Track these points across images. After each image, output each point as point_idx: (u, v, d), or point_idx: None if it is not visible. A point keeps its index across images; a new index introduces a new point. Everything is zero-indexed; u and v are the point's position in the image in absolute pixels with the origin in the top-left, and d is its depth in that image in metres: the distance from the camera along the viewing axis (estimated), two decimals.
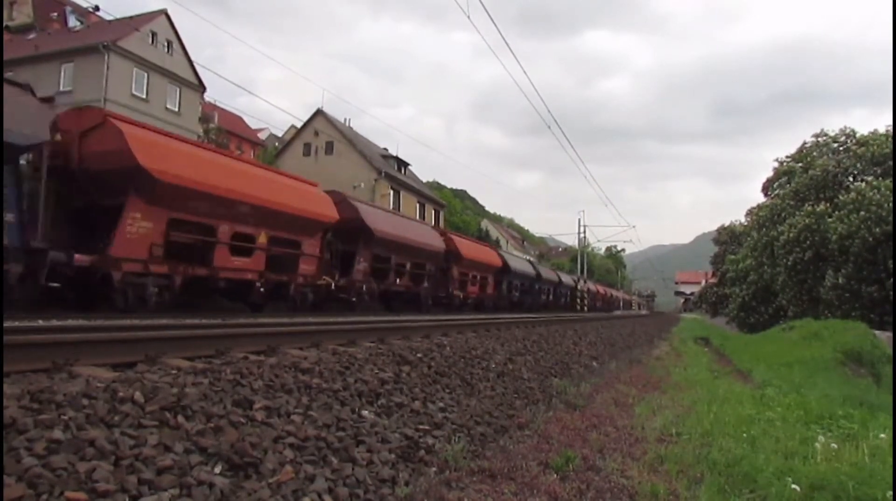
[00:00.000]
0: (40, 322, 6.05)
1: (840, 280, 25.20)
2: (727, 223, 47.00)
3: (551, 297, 37.85)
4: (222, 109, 44.86)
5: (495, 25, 14.37)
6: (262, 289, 12.16)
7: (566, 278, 43.11)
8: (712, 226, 72.37)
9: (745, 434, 5.28)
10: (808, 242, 26.94)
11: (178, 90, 32.77)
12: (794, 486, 3.84)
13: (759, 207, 34.81)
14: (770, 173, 35.48)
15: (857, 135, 29.89)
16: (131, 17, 30.20)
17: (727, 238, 45.26)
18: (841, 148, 30.56)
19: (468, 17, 13.56)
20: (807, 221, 26.93)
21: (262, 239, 12.03)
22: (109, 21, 27.27)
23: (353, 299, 15.46)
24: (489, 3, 13.18)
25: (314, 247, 13.77)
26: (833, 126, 31.90)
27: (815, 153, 31.61)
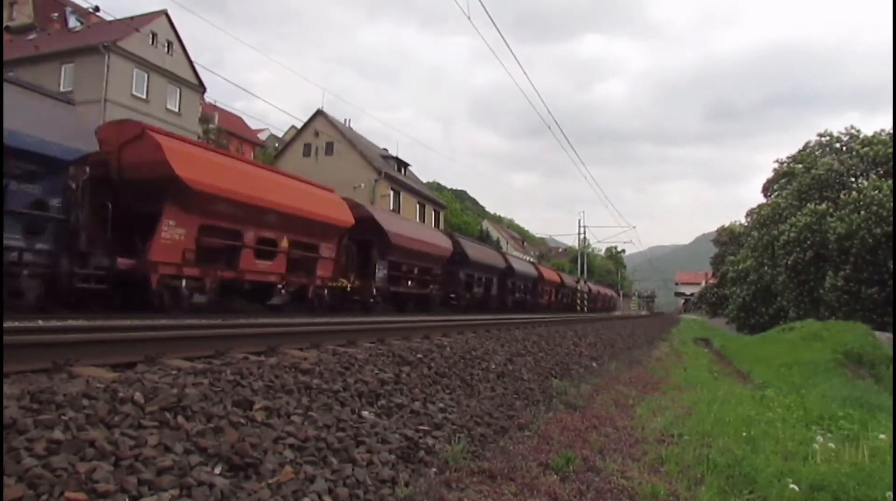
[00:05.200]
0: (40, 322, 6.06)
1: (839, 281, 25.20)
2: (727, 224, 47.06)
3: (529, 295, 31.78)
4: (222, 110, 44.87)
5: (495, 26, 14.39)
6: None
7: (549, 275, 37.51)
8: (712, 227, 72.21)
9: (745, 435, 5.28)
10: (808, 242, 26.94)
11: (178, 91, 32.78)
12: (793, 486, 3.84)
13: (760, 207, 34.82)
14: (767, 175, 35.58)
15: (861, 135, 29.88)
16: (131, 18, 30.19)
17: (727, 239, 45.31)
18: (844, 148, 30.53)
19: (468, 17, 13.57)
20: (807, 219, 26.93)
21: None
22: (110, 21, 27.26)
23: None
24: (487, 7, 13.19)
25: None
26: (826, 128, 31.84)
27: (817, 153, 31.60)
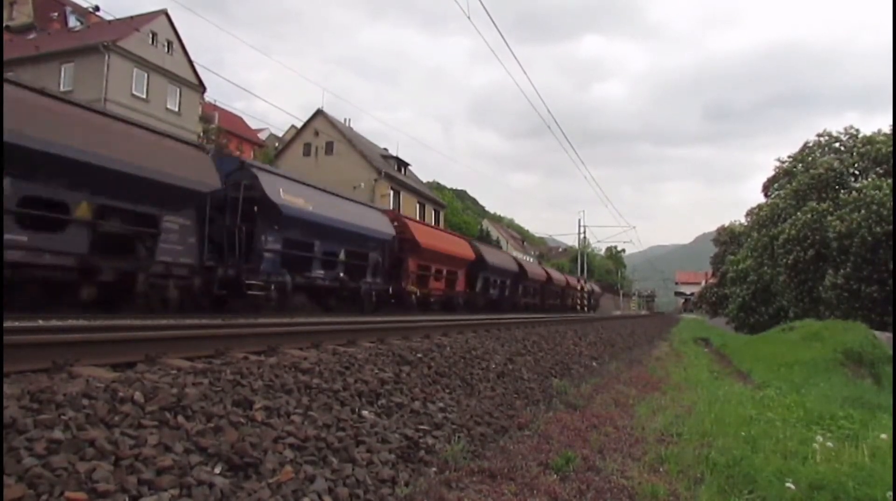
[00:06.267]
0: (40, 322, 6.05)
1: (839, 280, 25.19)
2: (727, 224, 47.05)
3: (380, 278, 16.95)
4: (222, 110, 44.85)
5: (495, 26, 14.39)
6: None
7: (450, 246, 22.24)
8: (712, 226, 71.96)
9: (744, 435, 5.28)
10: (808, 240, 26.92)
11: (178, 90, 32.77)
12: (789, 485, 3.84)
13: (760, 207, 34.81)
14: (766, 174, 35.55)
15: (861, 135, 29.85)
16: (131, 18, 30.20)
17: (727, 239, 45.30)
18: (843, 147, 30.50)
19: (468, 17, 13.57)
20: (807, 217, 26.90)
21: None
22: (109, 21, 27.28)
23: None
24: (487, 7, 13.20)
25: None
26: (825, 128, 31.79)
27: (817, 153, 31.57)
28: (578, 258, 53.31)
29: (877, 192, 24.40)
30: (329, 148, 39.92)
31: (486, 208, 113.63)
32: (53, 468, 2.39)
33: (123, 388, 3.16)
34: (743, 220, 42.52)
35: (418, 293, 19.48)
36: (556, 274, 40.95)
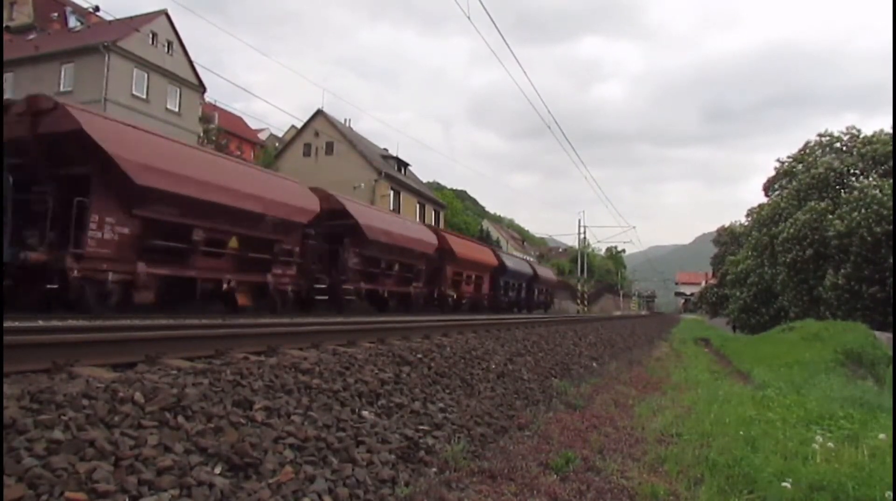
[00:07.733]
0: (40, 322, 6.06)
1: (840, 280, 25.17)
2: (727, 224, 47.07)
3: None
4: (222, 110, 44.86)
5: (496, 27, 14.39)
6: None
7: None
8: (712, 227, 72.05)
9: (744, 435, 5.28)
10: (807, 239, 26.91)
11: (178, 91, 32.77)
12: (785, 484, 3.85)
13: (761, 206, 34.81)
14: (765, 175, 35.57)
15: (862, 135, 29.84)
16: (131, 18, 30.19)
17: (727, 239, 45.30)
18: (844, 147, 30.50)
19: (468, 17, 13.57)
20: (807, 216, 26.90)
21: None
22: (109, 21, 27.26)
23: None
24: (488, 7, 13.20)
25: None
26: (825, 129, 31.77)
27: (818, 153, 31.57)
28: (578, 259, 53.33)
29: (877, 192, 24.40)
30: (329, 148, 39.91)
31: (486, 209, 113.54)
32: (53, 468, 2.39)
33: (123, 388, 3.16)
34: (743, 220, 42.54)
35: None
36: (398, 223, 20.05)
